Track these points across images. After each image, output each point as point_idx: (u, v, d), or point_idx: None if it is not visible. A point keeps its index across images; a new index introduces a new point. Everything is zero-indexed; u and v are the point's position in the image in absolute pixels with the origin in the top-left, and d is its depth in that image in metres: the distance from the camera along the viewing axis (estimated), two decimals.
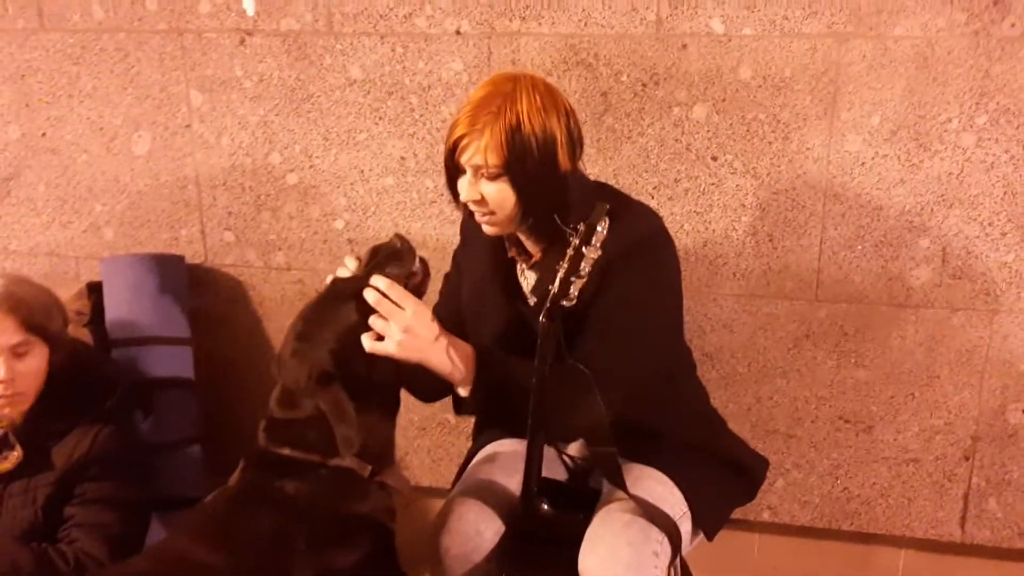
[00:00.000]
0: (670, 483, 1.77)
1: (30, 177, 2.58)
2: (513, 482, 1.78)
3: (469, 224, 1.85)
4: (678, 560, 1.72)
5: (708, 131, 2.17)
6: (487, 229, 1.73)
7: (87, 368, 2.12)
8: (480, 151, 1.62)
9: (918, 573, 2.42)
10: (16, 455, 1.93)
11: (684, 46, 2.13)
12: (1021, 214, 2.08)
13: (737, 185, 2.19)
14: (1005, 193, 2.08)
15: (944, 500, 2.31)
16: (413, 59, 2.27)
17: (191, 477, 2.37)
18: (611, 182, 2.20)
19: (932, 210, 2.12)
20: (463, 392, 1.66)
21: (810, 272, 2.21)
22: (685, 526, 1.74)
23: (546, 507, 1.69)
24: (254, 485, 1.65)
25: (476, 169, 1.64)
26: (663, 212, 2.20)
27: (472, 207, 1.70)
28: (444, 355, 1.61)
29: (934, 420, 2.25)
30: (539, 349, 1.57)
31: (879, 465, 2.32)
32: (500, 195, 1.65)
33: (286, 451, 1.65)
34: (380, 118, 2.33)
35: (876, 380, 2.26)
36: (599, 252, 1.52)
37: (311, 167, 2.41)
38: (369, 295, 1.58)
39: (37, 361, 1.95)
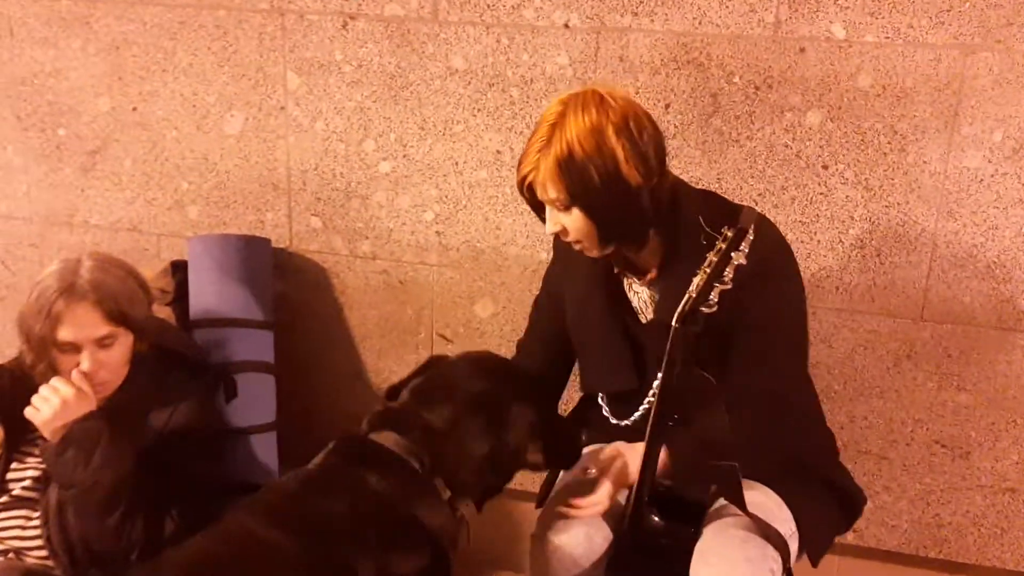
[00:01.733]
0: (779, 501, 1.72)
1: (117, 151, 2.56)
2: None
3: (565, 244, 1.79)
4: None
5: (821, 138, 2.10)
6: (587, 251, 1.69)
7: (172, 350, 2.10)
8: (542, 186, 1.62)
9: None
10: None
11: (802, 50, 2.07)
12: None
13: (847, 196, 2.13)
14: None
15: None
16: (518, 51, 2.22)
17: (264, 464, 2.34)
18: (714, 186, 2.17)
19: None
20: None
21: (917, 290, 2.14)
22: (792, 546, 1.68)
23: (656, 519, 1.65)
24: (338, 470, 1.61)
25: (549, 202, 1.63)
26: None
27: (561, 237, 1.68)
28: None
29: None
30: (668, 355, 1.51)
31: (974, 493, 2.24)
32: (577, 223, 1.62)
33: (387, 437, 1.62)
34: (479, 110, 2.29)
35: (978, 405, 2.18)
36: (745, 259, 1.47)
37: (405, 156, 2.37)
38: None
39: (122, 349, 1.92)
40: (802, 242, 2.17)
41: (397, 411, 1.69)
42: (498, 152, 2.30)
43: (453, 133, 2.32)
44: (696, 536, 1.64)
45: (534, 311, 2.00)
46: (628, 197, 1.59)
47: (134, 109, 2.51)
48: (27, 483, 1.91)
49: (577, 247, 1.69)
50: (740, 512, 1.62)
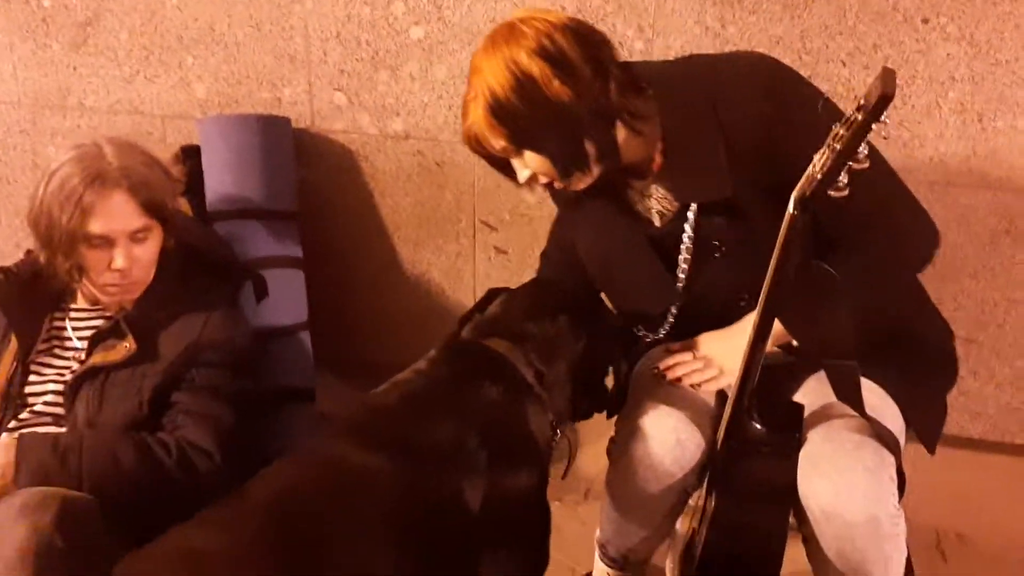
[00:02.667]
0: (883, 393, 1.54)
1: (111, 23, 2.28)
2: (705, 395, 1.58)
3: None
4: None
5: None
6: (575, 188, 1.57)
7: (198, 248, 1.90)
8: (488, 140, 1.51)
9: None
10: (128, 346, 1.72)
11: None
12: None
13: (948, 54, 1.88)
14: None
15: None
16: None
17: (300, 367, 2.16)
18: (796, 46, 1.94)
19: None
20: None
21: (1021, 158, 1.93)
22: (901, 442, 1.53)
23: (758, 425, 1.48)
24: (448, 381, 1.44)
25: (502, 152, 1.53)
26: (857, 83, 1.93)
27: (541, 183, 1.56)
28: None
29: None
30: (783, 246, 1.30)
31: None
32: (538, 164, 1.51)
33: (501, 344, 1.48)
34: None
35: None
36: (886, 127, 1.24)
37: (439, 19, 2.10)
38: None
39: (155, 245, 1.74)
40: (895, 107, 1.94)
41: (504, 319, 1.55)
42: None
43: None
44: (800, 441, 1.47)
45: (542, 261, 1.91)
46: (568, 119, 1.44)
47: None
48: (49, 397, 1.74)
49: (559, 187, 1.56)
50: (848, 412, 1.46)
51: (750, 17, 1.93)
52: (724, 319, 1.61)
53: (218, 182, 2.12)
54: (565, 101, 1.44)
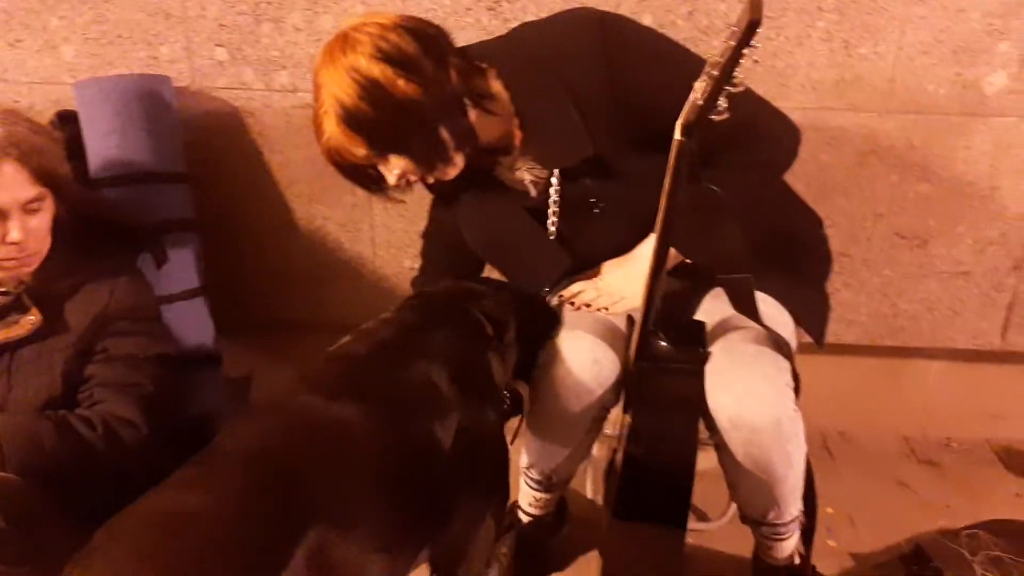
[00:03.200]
0: (774, 302, 1.68)
1: None
2: (616, 320, 1.67)
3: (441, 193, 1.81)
4: None
5: None
6: (445, 179, 1.63)
7: (91, 215, 1.82)
8: (348, 151, 1.54)
9: (949, 383, 2.47)
10: (32, 319, 1.65)
11: None
12: None
13: None
14: None
15: (989, 311, 2.32)
16: None
17: (202, 331, 2.12)
18: None
19: (1017, 11, 2.00)
20: None
21: (883, 81, 2.08)
22: (793, 344, 1.66)
23: (664, 343, 1.57)
24: (413, 329, 1.47)
25: (363, 160, 1.55)
26: (731, 16, 2.02)
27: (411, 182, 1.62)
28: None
29: (990, 231, 2.22)
30: (672, 172, 1.37)
31: (930, 280, 2.29)
32: (403, 165, 1.55)
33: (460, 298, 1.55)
34: None
35: (937, 194, 2.19)
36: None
37: None
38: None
39: (48, 214, 1.66)
40: (768, 39, 2.05)
41: (459, 288, 1.62)
42: None
43: None
44: (705, 356, 1.57)
45: (425, 242, 1.95)
46: (420, 115, 1.50)
47: None
48: None
49: (430, 182, 1.64)
50: (745, 324, 1.57)
51: None
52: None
53: (101, 147, 2.02)
54: (413, 97, 1.48)
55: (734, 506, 1.86)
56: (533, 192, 1.71)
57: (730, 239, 1.50)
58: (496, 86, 1.61)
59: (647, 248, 1.55)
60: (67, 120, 2.05)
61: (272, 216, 2.31)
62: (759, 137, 1.61)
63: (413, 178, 1.60)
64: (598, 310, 1.70)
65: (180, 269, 2.08)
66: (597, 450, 1.97)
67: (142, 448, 1.67)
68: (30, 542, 1.41)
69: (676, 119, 1.32)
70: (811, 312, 1.75)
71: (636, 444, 1.55)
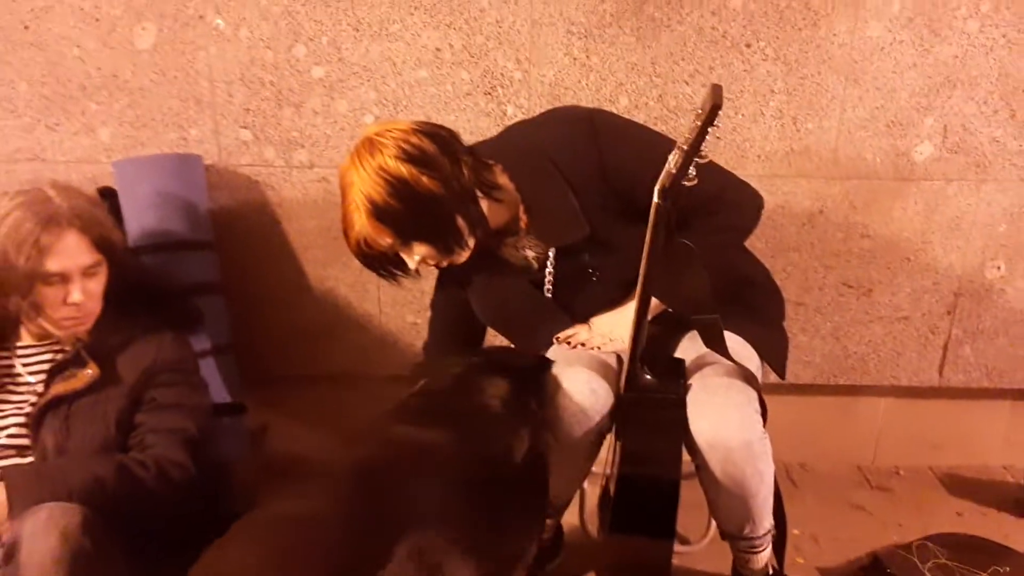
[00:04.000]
0: (741, 340, 1.94)
1: (8, 74, 2.34)
2: (608, 357, 1.91)
3: (449, 276, 2.00)
4: None
5: (744, 19, 2.28)
6: (459, 262, 1.86)
7: (138, 279, 2.03)
8: (376, 241, 1.76)
9: (896, 417, 2.76)
10: (91, 372, 1.84)
11: None
12: (1011, 93, 2.35)
13: (768, 71, 2.33)
14: (999, 75, 2.33)
15: (927, 350, 2.62)
16: None
17: (230, 384, 2.33)
18: (648, 70, 2.32)
19: (938, 91, 2.35)
20: None
21: (828, 151, 2.40)
22: (759, 376, 1.92)
23: (648, 376, 1.81)
24: (477, 369, 1.74)
25: (391, 248, 1.78)
26: (696, 99, 2.32)
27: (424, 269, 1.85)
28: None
29: (924, 281, 2.54)
30: (653, 230, 1.62)
31: (875, 324, 2.60)
32: (425, 251, 1.79)
33: None
34: (415, 8, 2.28)
35: (878, 248, 2.51)
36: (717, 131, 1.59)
37: (339, 59, 2.33)
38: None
39: (103, 278, 1.87)
40: (728, 117, 2.36)
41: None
42: (437, 50, 2.31)
43: (390, 33, 2.30)
44: (686, 388, 1.82)
45: (433, 313, 2.16)
46: (441, 206, 1.74)
47: (26, 27, 2.30)
48: (12, 431, 1.83)
49: (445, 264, 1.86)
50: (717, 360, 1.83)
51: (609, 48, 2.30)
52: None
53: (140, 218, 2.24)
54: (435, 192, 1.71)
55: (713, 529, 2.12)
56: (535, 266, 1.95)
57: (699, 284, 1.77)
58: (502, 179, 1.86)
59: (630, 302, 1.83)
60: (107, 195, 2.26)
61: (288, 279, 2.53)
62: (725, 205, 1.87)
63: (432, 262, 1.82)
64: (591, 348, 1.95)
65: (211, 327, 2.28)
66: (588, 485, 2.21)
67: (189, 486, 1.87)
68: (105, 567, 1.62)
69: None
70: (773, 348, 2.01)
71: (628, 465, 1.77)
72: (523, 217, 1.91)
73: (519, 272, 1.97)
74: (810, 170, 2.42)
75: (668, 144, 1.67)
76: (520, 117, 2.33)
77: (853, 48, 2.30)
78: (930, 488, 2.70)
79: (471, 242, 1.83)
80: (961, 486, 2.70)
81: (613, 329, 1.95)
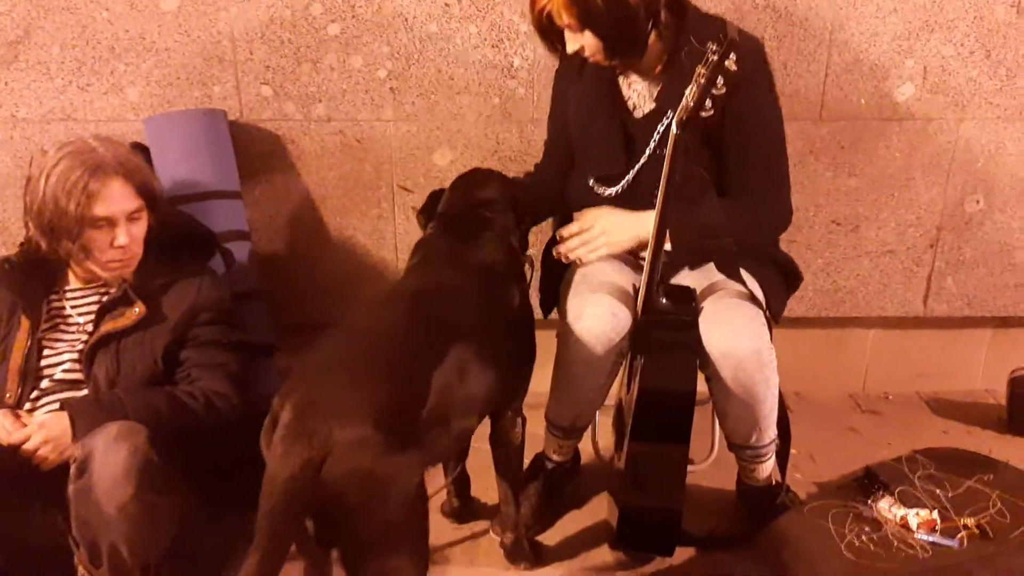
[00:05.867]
0: (749, 275, 2.10)
1: (42, 38, 2.47)
2: (626, 284, 2.05)
3: (573, 57, 2.05)
4: None
5: None
6: (603, 62, 1.99)
7: (175, 225, 2.17)
8: (557, 14, 1.91)
9: (884, 346, 2.94)
10: (138, 311, 1.99)
11: None
12: (986, 35, 2.51)
13: (758, 19, 2.48)
14: (975, 18, 2.49)
15: (912, 282, 2.80)
16: None
17: (260, 326, 2.47)
18: None
19: (918, 34, 2.51)
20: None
21: (816, 95, 2.56)
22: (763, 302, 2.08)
23: (664, 300, 1.96)
24: (500, 230, 2.06)
25: (565, 27, 1.94)
26: None
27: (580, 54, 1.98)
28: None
29: (908, 216, 2.71)
30: (671, 158, 1.78)
31: (862, 259, 2.76)
32: (589, 42, 1.94)
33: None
34: None
35: (864, 186, 2.67)
36: (735, 66, 1.72)
37: (354, 17, 2.46)
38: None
39: (145, 223, 2.01)
40: None
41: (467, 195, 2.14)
42: (447, 5, 2.45)
43: None
44: (697, 311, 1.98)
45: (552, 104, 2.32)
46: (628, 15, 1.89)
47: None
48: (66, 366, 1.97)
49: (594, 61, 2.00)
50: (729, 285, 2.00)
51: None
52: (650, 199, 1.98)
53: (172, 171, 2.37)
54: (633, 4, 1.87)
55: (716, 450, 2.28)
56: (638, 114, 2.10)
57: (712, 211, 1.94)
58: (679, 28, 1.98)
59: (643, 215, 2.00)
60: (139, 150, 2.39)
61: (309, 227, 2.68)
62: (753, 207, 2.04)
63: (586, 53, 1.97)
64: (580, 260, 2.12)
65: (241, 272, 2.44)
66: (599, 414, 2.36)
67: (234, 413, 2.02)
68: (169, 478, 1.76)
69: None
70: (773, 303, 2.13)
71: (648, 380, 1.92)
72: (659, 68, 2.05)
73: (620, 106, 2.11)
74: (800, 112, 2.57)
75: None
76: (527, 69, 2.51)
77: None
78: (917, 410, 2.89)
79: (628, 57, 2.00)
80: (946, 408, 2.88)
81: (612, 230, 2.09)
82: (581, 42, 1.95)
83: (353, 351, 1.63)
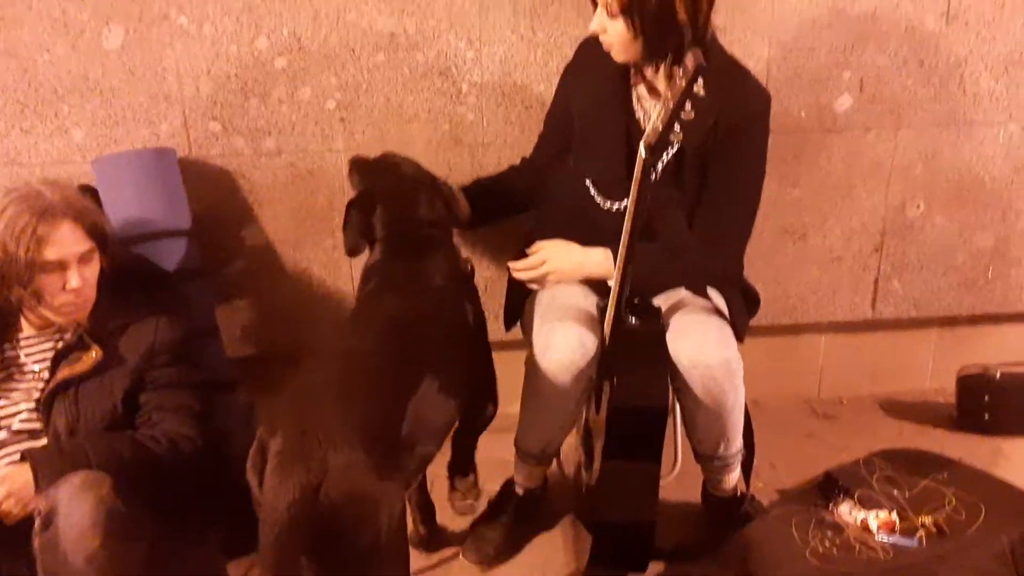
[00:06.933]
0: (719, 295, 2.17)
1: None
2: (591, 308, 2.09)
3: (592, 48, 2.10)
4: None
5: None
6: (614, 55, 2.00)
7: (128, 265, 2.16)
8: None
9: (836, 351, 3.01)
10: (95, 355, 1.96)
11: None
12: (919, 44, 2.60)
13: None
14: (906, 28, 2.58)
15: (859, 287, 2.87)
16: None
17: (219, 363, 2.46)
18: None
19: (853, 46, 2.58)
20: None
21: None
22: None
23: (633, 320, 2.00)
24: (442, 259, 2.09)
25: (604, 5, 1.92)
26: None
27: (599, 36, 1.98)
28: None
29: (853, 223, 2.78)
30: (639, 184, 1.79)
31: (811, 266, 2.83)
32: (617, 31, 1.94)
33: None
34: None
35: (809, 196, 2.74)
36: (703, 91, 1.70)
37: (300, 49, 2.47)
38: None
39: (97, 265, 1.99)
40: None
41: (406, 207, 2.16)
42: (392, 35, 2.47)
43: (347, 21, 2.45)
44: (664, 328, 2.02)
45: (551, 108, 2.36)
46: (671, 26, 1.91)
47: None
48: (24, 415, 1.94)
49: (606, 47, 2.00)
50: (696, 301, 2.07)
51: (553, 24, 2.48)
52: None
53: (121, 212, 2.34)
54: (677, 17, 1.88)
55: (680, 463, 2.32)
56: (645, 126, 2.03)
57: (678, 230, 2.05)
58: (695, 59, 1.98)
59: (592, 251, 2.06)
60: (87, 191, 2.36)
61: (264, 261, 2.66)
62: (711, 253, 2.13)
63: (605, 38, 1.97)
64: (529, 283, 2.20)
65: (197, 309, 2.41)
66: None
67: (198, 455, 2.01)
68: (137, 526, 1.74)
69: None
70: (737, 323, 2.17)
71: (620, 398, 1.95)
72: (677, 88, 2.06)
73: (627, 115, 2.11)
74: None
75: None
76: (475, 95, 2.54)
77: (775, 12, 2.52)
78: (871, 413, 2.96)
79: (652, 60, 2.01)
80: (899, 409, 2.96)
81: (559, 262, 2.16)
82: (606, 25, 1.95)
83: (336, 380, 1.72)
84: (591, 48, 2.11)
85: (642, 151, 1.77)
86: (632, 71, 2.09)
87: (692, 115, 1.72)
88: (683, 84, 1.68)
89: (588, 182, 2.17)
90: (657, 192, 1.91)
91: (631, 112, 2.12)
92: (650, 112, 2.09)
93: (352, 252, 2.12)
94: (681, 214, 2.08)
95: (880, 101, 2.64)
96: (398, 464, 1.67)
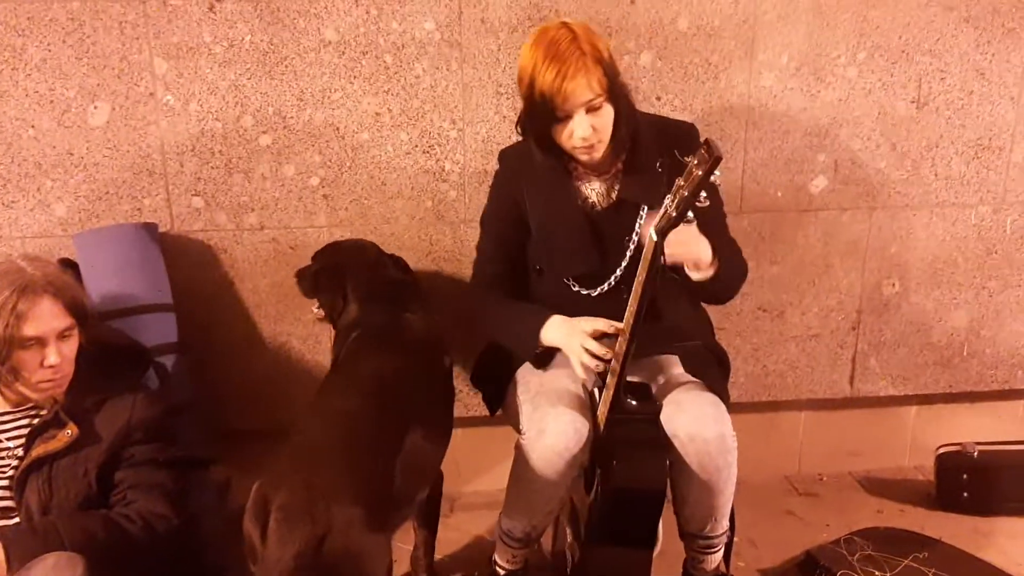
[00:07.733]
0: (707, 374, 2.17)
1: None
2: (580, 392, 2.10)
3: (516, 155, 2.19)
4: None
5: (653, 75, 2.54)
6: (587, 158, 2.04)
7: (106, 341, 2.14)
8: (586, 88, 1.92)
9: (815, 428, 3.02)
10: (70, 433, 1.95)
11: (632, 1, 2.48)
12: (890, 129, 2.66)
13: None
14: (879, 113, 2.64)
15: (837, 364, 2.89)
16: (387, 20, 2.43)
17: (196, 439, 2.42)
18: None
19: (827, 130, 2.64)
20: None
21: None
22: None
23: (632, 402, 1.99)
24: (417, 342, 2.24)
25: (585, 105, 1.93)
26: None
27: (583, 143, 1.98)
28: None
29: (829, 301, 2.81)
30: (650, 264, 1.82)
31: (789, 343, 2.85)
32: (605, 119, 1.97)
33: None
34: (355, 77, 2.47)
35: (786, 273, 2.77)
36: (719, 181, 1.78)
37: (285, 127, 2.50)
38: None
39: (76, 341, 1.99)
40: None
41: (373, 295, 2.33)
42: (377, 114, 2.51)
43: (332, 101, 2.49)
44: (659, 407, 2.01)
45: (488, 226, 2.30)
46: (628, 95, 2.05)
47: None
48: None
49: (589, 150, 2.01)
50: (688, 379, 2.09)
51: None
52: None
53: (101, 287, 2.35)
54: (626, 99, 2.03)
55: (661, 540, 2.29)
56: (599, 207, 2.14)
57: (684, 316, 2.08)
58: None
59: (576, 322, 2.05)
60: (68, 266, 2.37)
61: (244, 335, 2.66)
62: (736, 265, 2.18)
63: (592, 140, 1.97)
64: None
65: (175, 385, 2.40)
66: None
67: (174, 534, 1.98)
68: None
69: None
70: (719, 389, 2.16)
71: (618, 480, 1.93)
72: (619, 165, 2.12)
73: (580, 199, 2.14)
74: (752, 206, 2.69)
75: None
76: (458, 172, 2.57)
77: (750, 97, 2.59)
78: (851, 490, 2.96)
79: (613, 146, 2.06)
80: (878, 486, 2.96)
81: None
82: (593, 123, 1.96)
83: (333, 438, 1.84)
84: (514, 157, 2.21)
85: (653, 235, 1.80)
86: (567, 159, 2.12)
87: (707, 203, 1.76)
88: (699, 174, 1.71)
89: (568, 279, 2.18)
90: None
91: (583, 199, 2.16)
92: (600, 191, 2.14)
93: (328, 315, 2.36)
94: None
95: (854, 183, 2.69)
96: (389, 518, 1.81)
